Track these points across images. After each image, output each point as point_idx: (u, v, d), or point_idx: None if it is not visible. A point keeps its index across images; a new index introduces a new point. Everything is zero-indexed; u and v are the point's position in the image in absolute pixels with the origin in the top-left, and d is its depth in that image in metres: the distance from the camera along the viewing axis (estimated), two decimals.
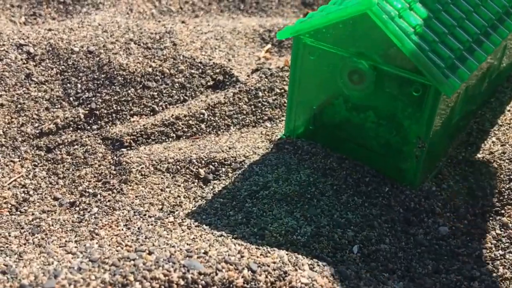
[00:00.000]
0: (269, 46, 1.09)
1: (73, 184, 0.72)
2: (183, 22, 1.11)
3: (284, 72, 0.91)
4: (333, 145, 0.73)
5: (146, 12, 1.17)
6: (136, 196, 0.68)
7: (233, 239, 0.56)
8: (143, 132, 0.80)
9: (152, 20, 1.15)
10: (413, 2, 0.63)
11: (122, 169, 0.72)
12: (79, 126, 0.81)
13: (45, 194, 0.70)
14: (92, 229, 0.60)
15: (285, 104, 0.87)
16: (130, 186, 0.69)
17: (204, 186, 0.71)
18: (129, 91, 0.85)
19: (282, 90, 0.88)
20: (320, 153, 0.73)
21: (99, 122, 0.82)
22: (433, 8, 0.64)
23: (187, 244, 0.53)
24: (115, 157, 0.75)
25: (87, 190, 0.70)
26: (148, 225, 0.60)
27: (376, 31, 0.60)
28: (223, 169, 0.73)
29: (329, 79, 0.68)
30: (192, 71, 0.91)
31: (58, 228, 0.61)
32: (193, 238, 0.56)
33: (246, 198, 0.67)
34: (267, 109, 0.86)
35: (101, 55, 0.88)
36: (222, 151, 0.76)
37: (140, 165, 0.73)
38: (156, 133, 0.80)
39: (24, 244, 0.57)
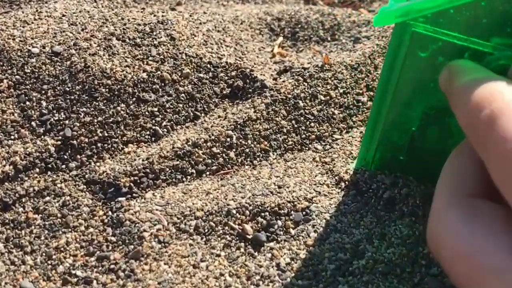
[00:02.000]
0: (280, 39, 0.84)
1: (49, 262, 0.45)
2: (173, 9, 0.85)
3: (325, 73, 0.66)
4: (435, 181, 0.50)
5: (117, 0, 0.90)
6: (159, 283, 0.42)
7: None
8: (147, 169, 0.53)
9: (127, 8, 0.88)
10: None
11: (126, 234, 0.46)
12: (49, 165, 0.54)
13: (6, 284, 0.43)
14: None
15: (334, 117, 0.63)
16: (145, 263, 0.44)
17: (257, 254, 0.46)
18: (119, 108, 0.59)
19: (328, 97, 0.64)
20: (416, 191, 0.50)
21: (78, 156, 0.55)
22: None
23: None
24: (110, 213, 0.49)
25: (72, 272, 0.44)
26: None
27: None
28: (280, 223, 0.49)
29: None
30: (201, 75, 0.65)
31: None
32: None
33: (335, 275, 0.42)
34: (312, 124, 0.61)
35: (72, 57, 0.61)
36: (271, 192, 0.51)
37: (155, 225, 0.47)
38: (167, 169, 0.54)
39: None
